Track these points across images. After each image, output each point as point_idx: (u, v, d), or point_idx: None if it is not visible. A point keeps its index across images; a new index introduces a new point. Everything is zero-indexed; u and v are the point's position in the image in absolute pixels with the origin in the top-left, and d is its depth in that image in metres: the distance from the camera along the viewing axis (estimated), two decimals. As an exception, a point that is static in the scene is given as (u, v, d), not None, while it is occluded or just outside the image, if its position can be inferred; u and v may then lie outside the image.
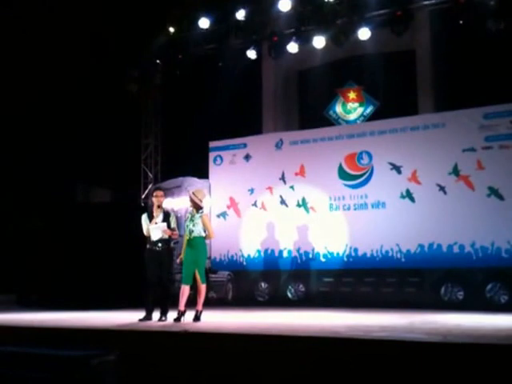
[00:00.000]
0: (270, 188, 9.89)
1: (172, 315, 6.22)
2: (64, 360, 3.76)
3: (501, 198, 8.04)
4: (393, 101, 9.45)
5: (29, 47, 10.55)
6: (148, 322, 6.13)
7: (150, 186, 11.79)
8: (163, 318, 6.32)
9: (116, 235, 9.27)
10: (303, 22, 9.88)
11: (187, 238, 6.30)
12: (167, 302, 6.47)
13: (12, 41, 10.36)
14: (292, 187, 9.72)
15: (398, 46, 9.58)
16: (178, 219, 7.03)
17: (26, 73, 10.68)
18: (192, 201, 6.31)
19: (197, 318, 6.17)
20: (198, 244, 6.25)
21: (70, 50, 10.82)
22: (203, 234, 6.28)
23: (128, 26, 10.85)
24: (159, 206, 6.55)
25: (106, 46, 11.03)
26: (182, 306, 6.20)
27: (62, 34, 10.60)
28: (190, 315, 6.21)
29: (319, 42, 9.83)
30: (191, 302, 6.37)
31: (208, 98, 11.10)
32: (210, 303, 9.07)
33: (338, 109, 9.98)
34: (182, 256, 6.39)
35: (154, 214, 6.52)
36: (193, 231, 6.24)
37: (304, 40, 9.99)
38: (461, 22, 8.42)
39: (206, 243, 6.42)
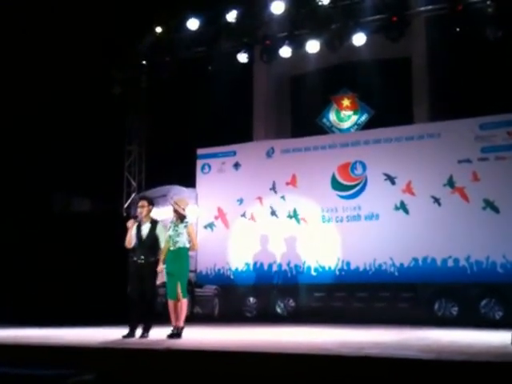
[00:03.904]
0: (259, 198, 10.43)
1: (158, 332, 6.40)
2: (37, 380, 3.87)
3: (496, 210, 8.63)
4: (388, 109, 10.06)
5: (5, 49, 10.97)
6: (130, 340, 6.26)
7: (133, 195, 12.21)
8: (145, 335, 6.45)
9: (96, 247, 9.72)
10: (297, 26, 10.42)
11: (170, 248, 6.44)
12: (151, 317, 6.61)
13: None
14: (283, 197, 10.27)
15: (394, 53, 10.22)
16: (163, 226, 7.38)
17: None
18: (175, 210, 6.51)
19: (177, 335, 6.31)
20: (181, 255, 6.42)
21: (49, 50, 11.24)
22: (188, 245, 6.47)
23: (113, 25, 11.35)
24: (146, 216, 6.69)
25: (89, 46, 11.44)
26: (174, 321, 6.39)
27: (41, 32, 11.05)
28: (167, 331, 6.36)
29: (313, 46, 10.41)
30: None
31: (196, 103, 11.59)
32: (195, 319, 9.47)
33: (332, 117, 10.63)
34: (161, 266, 6.51)
35: (140, 224, 6.63)
36: (177, 242, 6.40)
37: (297, 44, 10.54)
38: (458, 29, 9.06)
39: (189, 255, 6.61)
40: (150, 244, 6.74)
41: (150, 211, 6.88)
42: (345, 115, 10.49)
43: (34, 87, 11.40)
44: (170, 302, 6.50)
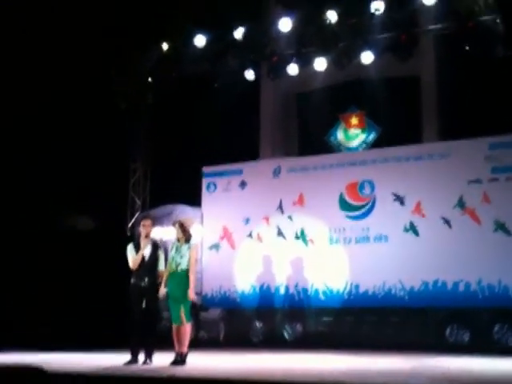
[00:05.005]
0: (266, 218, 10.50)
1: (162, 358, 6.48)
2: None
3: (508, 233, 8.66)
4: (396, 127, 10.17)
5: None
6: (132, 366, 6.33)
7: (137, 214, 12.33)
8: (148, 362, 6.53)
9: (99, 267, 9.83)
10: (304, 44, 10.60)
11: (172, 270, 6.46)
12: (153, 342, 6.68)
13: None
14: (290, 217, 10.35)
15: (402, 71, 10.33)
16: (166, 251, 7.26)
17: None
18: (183, 230, 6.55)
19: (182, 361, 6.35)
20: (184, 278, 6.43)
21: (54, 65, 11.48)
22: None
23: (119, 40, 11.61)
24: (147, 236, 6.84)
25: (94, 62, 11.67)
26: (178, 347, 6.43)
27: (44, 45, 11.27)
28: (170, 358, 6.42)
29: (320, 64, 10.60)
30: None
31: (202, 120, 11.78)
32: (200, 344, 9.53)
33: (340, 135, 10.76)
34: (163, 290, 6.56)
35: (142, 245, 6.79)
36: (180, 264, 6.43)
37: (305, 62, 10.72)
38: (467, 47, 9.23)
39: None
40: (151, 266, 6.86)
41: (151, 231, 7.00)
42: (353, 133, 10.61)
43: (37, 104, 11.64)
44: (174, 327, 6.54)
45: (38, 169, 12.06)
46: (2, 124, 11.25)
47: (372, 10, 9.55)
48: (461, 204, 9.05)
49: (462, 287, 8.84)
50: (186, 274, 6.51)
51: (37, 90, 11.47)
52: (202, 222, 10.98)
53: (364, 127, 10.48)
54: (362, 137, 10.49)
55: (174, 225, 6.87)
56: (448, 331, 8.90)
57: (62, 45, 11.19)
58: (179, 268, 6.50)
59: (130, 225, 12.47)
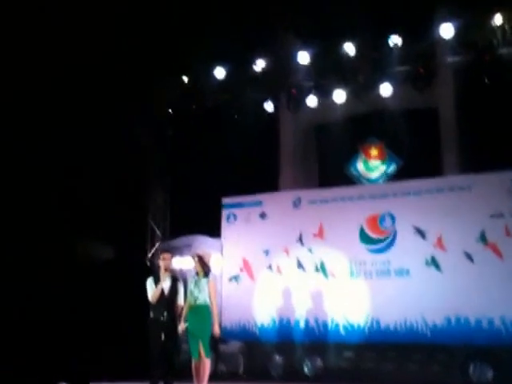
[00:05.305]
0: (286, 250, 10.50)
1: None
2: None
3: (531, 268, 8.61)
4: (416, 159, 10.17)
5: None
6: None
7: (157, 244, 12.54)
8: None
9: (119, 298, 9.92)
10: (323, 76, 10.80)
11: (191, 305, 6.52)
12: (172, 376, 6.71)
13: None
14: (310, 250, 10.33)
15: (421, 103, 10.33)
16: (185, 285, 7.22)
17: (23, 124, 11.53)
18: (202, 264, 6.59)
19: None
20: (203, 312, 6.48)
21: (73, 93, 11.74)
22: (209, 302, 6.52)
23: (140, 72, 11.86)
24: (166, 269, 6.89)
25: (116, 92, 11.93)
26: (196, 382, 6.45)
27: (68, 82, 11.57)
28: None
29: (339, 96, 10.75)
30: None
31: (222, 151, 11.92)
32: (219, 377, 9.59)
33: (360, 166, 10.77)
34: (183, 325, 6.61)
35: (161, 278, 6.83)
36: (198, 298, 6.49)
37: (323, 93, 10.87)
38: (486, 80, 9.23)
39: (211, 312, 6.60)
40: (170, 300, 6.93)
41: (171, 265, 7.09)
42: (373, 165, 10.63)
43: (63, 133, 11.90)
44: (193, 362, 6.57)
45: (60, 199, 12.25)
46: (23, 150, 11.51)
47: (391, 44, 9.63)
48: (483, 238, 8.96)
49: (485, 324, 8.70)
50: (204, 308, 6.55)
51: (59, 123, 11.73)
52: (221, 252, 11.03)
53: (384, 158, 10.50)
54: (383, 168, 10.49)
55: (193, 258, 6.92)
56: (471, 369, 8.74)
57: (84, 81, 11.46)
58: (198, 302, 6.55)
59: (149, 255, 12.57)
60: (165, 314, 6.82)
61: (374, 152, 10.66)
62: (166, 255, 7.12)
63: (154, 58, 11.77)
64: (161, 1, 10.79)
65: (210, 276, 6.78)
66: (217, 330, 6.60)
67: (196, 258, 6.83)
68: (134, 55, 11.62)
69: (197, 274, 6.74)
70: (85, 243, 13.00)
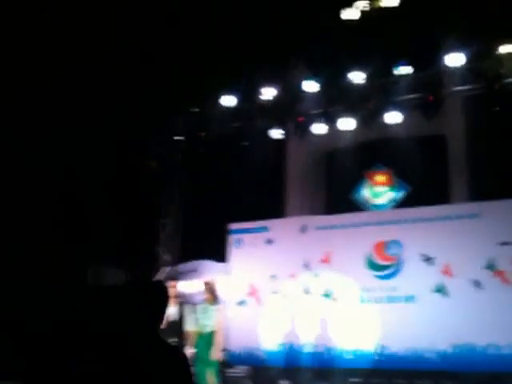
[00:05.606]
0: (293, 275, 10.55)
1: None
2: None
3: (540, 297, 8.61)
4: (424, 186, 10.28)
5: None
6: None
7: (167, 269, 12.60)
8: None
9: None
10: (330, 103, 11.02)
11: (199, 331, 6.70)
12: None
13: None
14: (317, 275, 10.40)
15: (430, 130, 10.51)
16: (194, 311, 7.39)
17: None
18: (211, 292, 6.87)
19: None
20: (211, 339, 6.66)
21: (84, 123, 11.99)
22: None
23: (150, 102, 12.12)
24: (173, 297, 7.22)
25: (127, 121, 12.18)
26: None
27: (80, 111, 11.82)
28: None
29: (347, 123, 10.92)
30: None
31: (230, 177, 12.10)
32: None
33: (365, 192, 10.88)
34: (191, 351, 6.69)
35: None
36: (206, 325, 6.69)
37: (331, 121, 11.07)
38: (497, 108, 9.37)
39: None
40: (178, 326, 7.01)
41: (177, 291, 7.21)
42: (379, 191, 10.72)
43: (74, 161, 12.09)
44: (199, 388, 6.61)
45: (70, 226, 12.39)
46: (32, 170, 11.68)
47: (399, 73, 9.82)
48: (491, 266, 8.99)
49: (493, 351, 8.67)
50: (213, 335, 6.70)
51: (70, 145, 11.94)
52: (228, 277, 11.07)
53: (392, 185, 10.59)
54: (391, 195, 10.58)
55: (205, 286, 6.98)
56: (480, 397, 8.69)
57: (95, 113, 11.73)
58: (205, 329, 6.71)
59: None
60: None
61: (379, 178, 10.77)
62: (172, 283, 7.29)
63: (168, 87, 12.05)
64: (175, 31, 11.10)
65: (218, 303, 6.84)
66: (218, 355, 6.62)
67: (205, 286, 6.88)
68: (148, 81, 11.90)
69: (205, 301, 6.73)
70: (98, 268, 13.11)
